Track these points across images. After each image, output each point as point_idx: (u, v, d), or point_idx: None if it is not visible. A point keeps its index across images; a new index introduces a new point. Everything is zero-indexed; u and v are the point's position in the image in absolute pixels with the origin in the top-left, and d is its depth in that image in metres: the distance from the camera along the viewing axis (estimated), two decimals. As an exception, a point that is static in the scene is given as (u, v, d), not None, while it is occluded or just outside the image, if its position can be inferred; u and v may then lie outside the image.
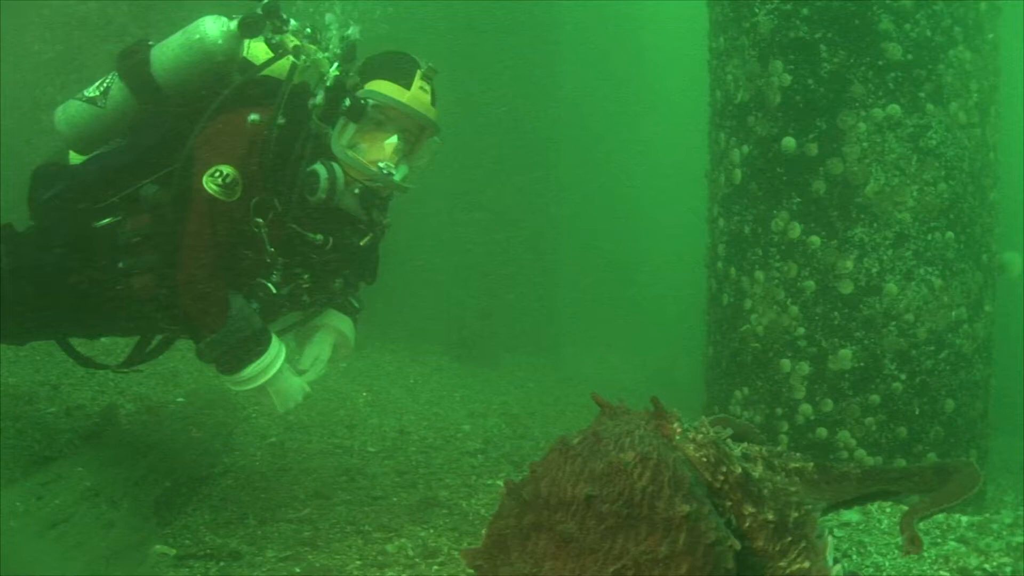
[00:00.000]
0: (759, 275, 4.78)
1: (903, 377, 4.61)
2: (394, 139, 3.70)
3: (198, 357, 3.81)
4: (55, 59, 7.05)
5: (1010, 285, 5.25)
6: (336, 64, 3.72)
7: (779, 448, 2.85)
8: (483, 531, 3.94)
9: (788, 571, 2.38)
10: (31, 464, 4.14)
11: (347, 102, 3.62)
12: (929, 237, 4.63)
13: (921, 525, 4.32)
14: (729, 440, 2.65)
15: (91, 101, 3.86)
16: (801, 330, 4.67)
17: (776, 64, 4.70)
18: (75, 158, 4.02)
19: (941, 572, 3.82)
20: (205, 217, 3.59)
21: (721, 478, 2.38)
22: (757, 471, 2.54)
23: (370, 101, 3.64)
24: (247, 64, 3.83)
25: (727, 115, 4.98)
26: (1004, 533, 4.50)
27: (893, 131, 4.58)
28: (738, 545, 2.19)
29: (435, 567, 3.60)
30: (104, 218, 3.78)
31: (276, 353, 3.77)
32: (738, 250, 4.90)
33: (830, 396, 4.64)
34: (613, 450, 2.24)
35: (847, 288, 4.60)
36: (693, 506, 2.14)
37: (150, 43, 3.86)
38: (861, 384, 4.61)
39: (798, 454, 2.83)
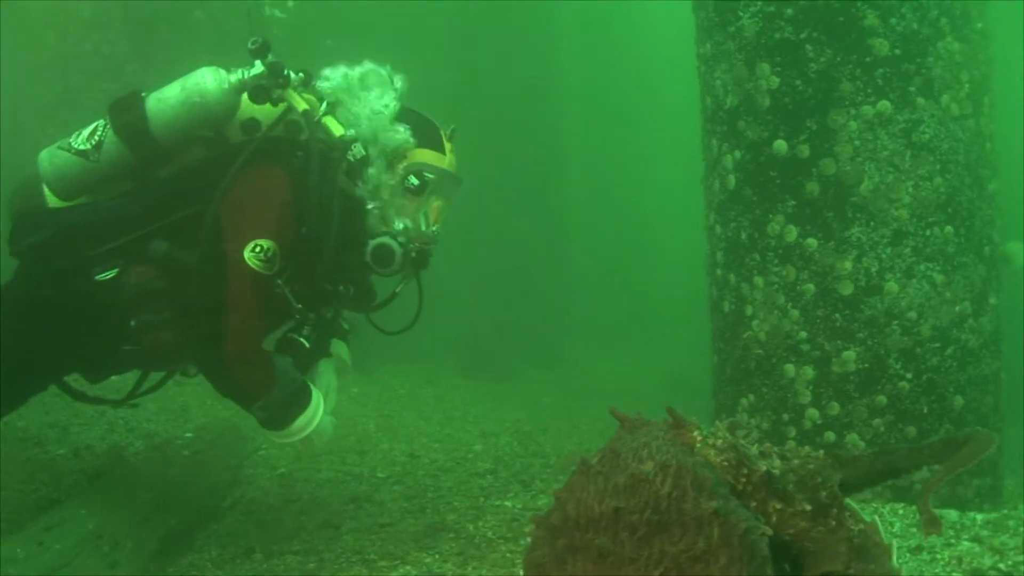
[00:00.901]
0: (758, 280, 4.74)
1: (909, 376, 4.55)
2: (438, 202, 3.97)
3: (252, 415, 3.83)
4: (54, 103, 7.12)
5: (1014, 276, 5.16)
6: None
7: (787, 446, 2.88)
8: (490, 554, 3.99)
9: (854, 531, 2.46)
10: (38, 508, 4.17)
11: (414, 180, 3.84)
12: (928, 233, 4.57)
13: (935, 526, 4.24)
14: (744, 442, 2.64)
15: (82, 155, 3.75)
16: (803, 334, 4.62)
17: (763, 67, 4.67)
18: (52, 200, 3.89)
19: (954, 574, 3.75)
20: (248, 290, 3.63)
21: (744, 479, 2.42)
22: (776, 467, 2.58)
23: (429, 175, 3.86)
24: (251, 123, 3.82)
25: (718, 121, 4.95)
26: (1021, 529, 4.41)
27: (884, 128, 4.53)
28: (769, 531, 2.23)
29: (462, 592, 3.59)
30: (100, 268, 3.75)
31: (317, 403, 3.87)
32: (736, 256, 4.86)
33: (836, 399, 4.58)
34: (633, 463, 2.28)
35: (847, 289, 4.55)
36: (720, 502, 2.17)
37: (143, 94, 3.81)
38: (867, 385, 4.55)
39: (807, 447, 2.82)
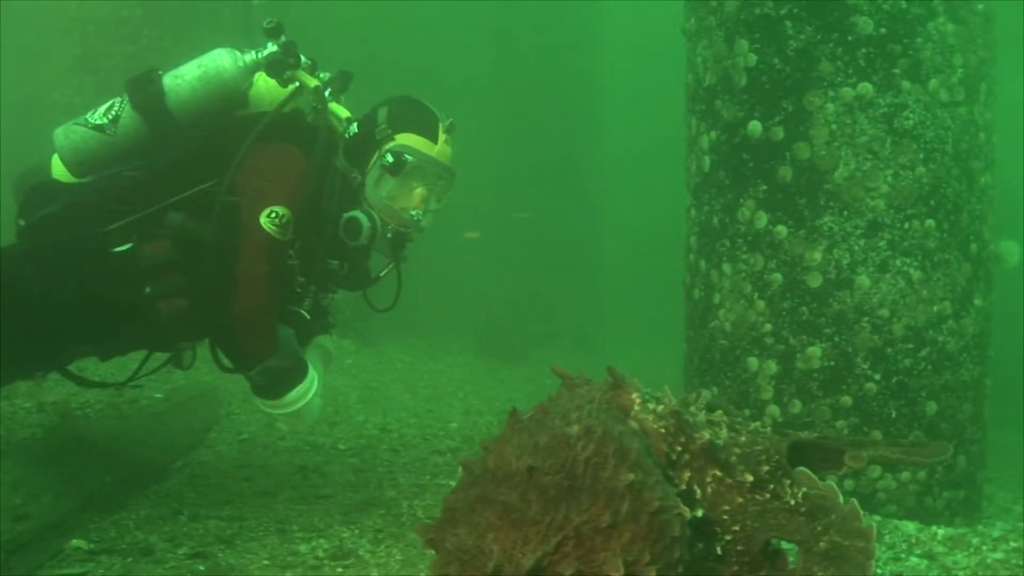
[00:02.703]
0: (727, 268, 4.52)
1: (877, 377, 4.29)
2: (423, 190, 4.04)
3: (217, 363, 3.99)
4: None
5: (1008, 276, 4.82)
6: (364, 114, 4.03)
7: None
8: (410, 533, 3.90)
9: (798, 499, 2.47)
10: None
11: (389, 158, 3.93)
12: (906, 225, 4.29)
13: (888, 538, 4.01)
14: (693, 408, 2.65)
15: (99, 128, 3.88)
16: (768, 326, 4.39)
17: (742, 43, 4.43)
18: (59, 174, 4.01)
19: (888, 593, 3.52)
20: (263, 255, 3.74)
21: (679, 448, 2.38)
22: (721, 436, 2.56)
23: (408, 158, 3.94)
24: (262, 96, 3.99)
25: (697, 99, 4.73)
26: (984, 548, 4.13)
27: (864, 111, 4.26)
28: (688, 513, 2.17)
29: (339, 569, 3.50)
30: (116, 241, 3.79)
31: (312, 381, 3.94)
32: (708, 241, 4.65)
33: (799, 397, 4.35)
34: (559, 423, 2.24)
35: (815, 281, 4.30)
36: (638, 475, 2.12)
37: (160, 72, 3.94)
38: (832, 384, 4.31)
39: (758, 422, 2.84)
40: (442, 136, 4.05)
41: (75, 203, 3.84)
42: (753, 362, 4.42)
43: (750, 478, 2.46)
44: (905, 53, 4.26)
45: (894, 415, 4.30)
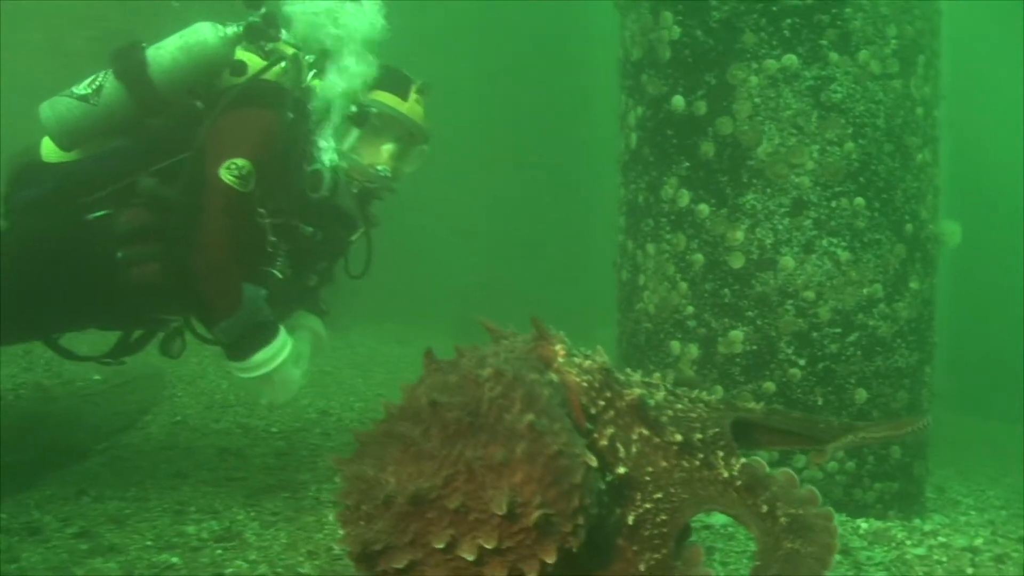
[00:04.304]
0: (650, 248, 4.36)
1: (802, 363, 4.11)
2: (391, 145, 4.00)
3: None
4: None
5: (951, 257, 4.60)
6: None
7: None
8: (305, 517, 3.82)
9: (733, 471, 2.42)
10: None
11: (353, 109, 3.93)
12: (833, 204, 4.10)
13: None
14: (630, 371, 2.61)
15: (83, 99, 3.91)
16: (690, 309, 4.23)
17: (666, 16, 4.27)
18: (48, 156, 4.04)
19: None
20: (222, 206, 3.76)
21: (603, 403, 2.34)
22: (656, 398, 2.52)
23: (373, 109, 3.94)
24: (241, 67, 4.00)
25: (626, 75, 4.57)
26: (908, 543, 3.94)
27: (789, 84, 4.08)
28: (594, 461, 2.14)
29: (219, 551, 3.42)
30: (94, 211, 3.85)
31: (284, 342, 3.93)
32: (634, 221, 4.49)
33: (720, 382, 4.18)
34: (472, 365, 2.25)
35: (738, 262, 4.13)
36: (542, 420, 2.10)
37: (144, 44, 3.96)
38: (754, 369, 4.13)
39: (703, 393, 2.78)
40: (413, 95, 4.03)
41: (57, 186, 3.90)
42: (675, 346, 4.26)
43: (679, 438, 2.39)
44: (833, 23, 4.07)
45: (820, 402, 4.12)
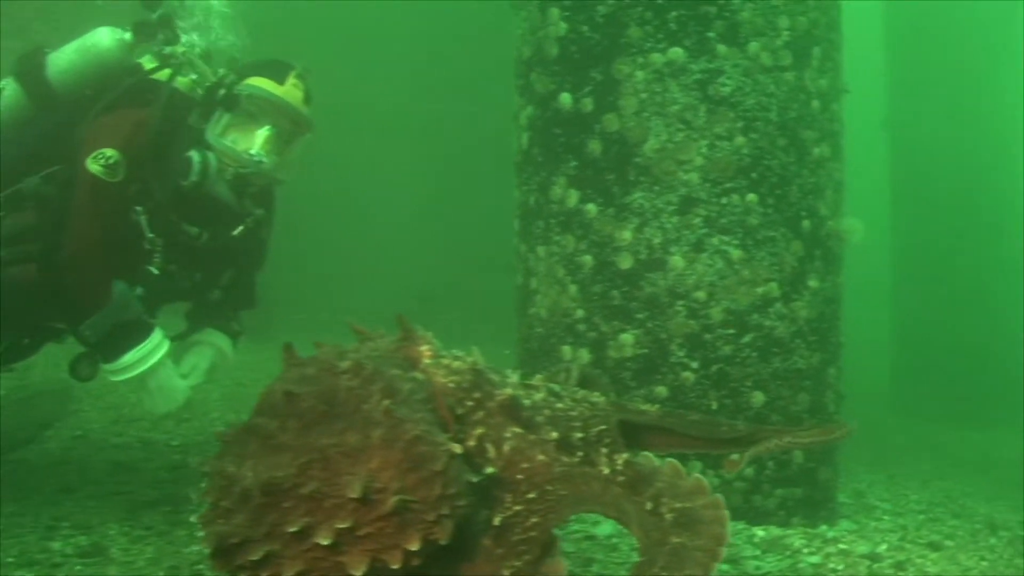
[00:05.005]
0: (541, 251, 4.22)
1: (695, 366, 3.96)
2: (266, 130, 3.87)
3: (72, 370, 3.88)
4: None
5: (854, 254, 4.45)
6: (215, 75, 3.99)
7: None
8: (176, 532, 3.70)
9: (616, 467, 2.39)
10: None
11: (222, 91, 3.84)
12: (723, 201, 3.96)
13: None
14: (510, 372, 2.55)
15: None
16: (580, 312, 4.09)
17: (553, 12, 4.14)
18: None
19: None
20: (89, 197, 3.71)
21: (471, 404, 2.30)
22: (536, 397, 2.49)
23: (243, 92, 3.85)
24: (138, 69, 3.99)
25: (519, 73, 4.44)
26: (805, 551, 3.80)
27: (676, 78, 3.95)
28: (458, 450, 2.10)
29: (78, 567, 3.31)
30: None
31: (158, 343, 3.81)
32: (527, 223, 4.36)
33: (611, 387, 4.03)
34: (332, 358, 2.22)
35: (626, 263, 3.99)
36: (402, 409, 2.07)
37: (47, 50, 3.99)
38: (645, 374, 3.99)
39: (595, 393, 2.75)
40: (291, 80, 3.94)
41: None
42: (567, 351, 4.12)
43: (555, 435, 2.34)
44: (721, 15, 3.95)
45: (715, 406, 3.97)
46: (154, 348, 3.78)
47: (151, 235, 3.85)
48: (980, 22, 9.46)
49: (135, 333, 3.75)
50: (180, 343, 4.18)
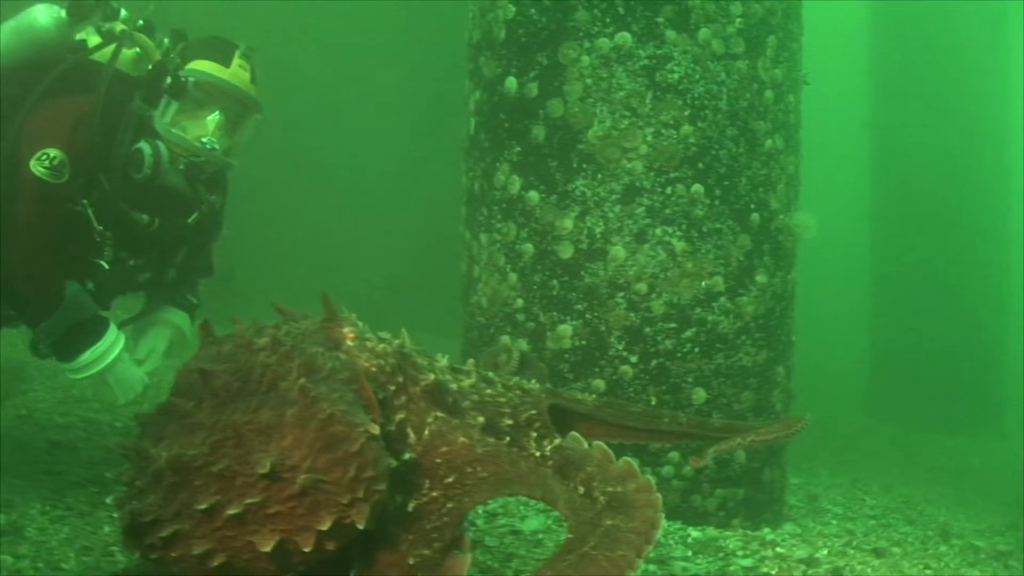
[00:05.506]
0: (483, 238, 4.13)
1: (634, 359, 3.86)
2: (216, 115, 3.80)
3: (32, 348, 3.82)
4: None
5: (808, 249, 4.33)
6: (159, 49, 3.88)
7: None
8: (99, 512, 3.63)
9: (545, 451, 2.38)
10: None
11: (168, 80, 3.73)
12: (668, 191, 3.85)
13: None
14: (440, 356, 2.51)
15: None
16: (520, 302, 3.99)
17: (502, -7, 4.04)
18: None
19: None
20: (35, 201, 3.62)
21: (393, 388, 2.26)
22: (464, 383, 2.46)
23: (191, 79, 3.74)
24: (81, 47, 3.87)
25: (469, 58, 4.34)
26: (739, 553, 3.69)
27: (622, 64, 3.84)
28: (376, 430, 2.06)
29: (-10, 544, 3.24)
30: None
31: (114, 339, 3.75)
32: (472, 210, 4.26)
33: (549, 380, 3.93)
34: (249, 335, 2.20)
35: (567, 252, 3.89)
36: (320, 388, 2.04)
37: None
38: (583, 366, 3.89)
39: (533, 381, 2.68)
40: (237, 61, 3.84)
41: None
42: (506, 341, 4.02)
43: (481, 420, 2.32)
44: (671, 0, 3.83)
45: (655, 402, 3.87)
46: (111, 345, 3.73)
47: (100, 227, 3.76)
48: (964, 24, 9.38)
49: (90, 332, 3.70)
50: (136, 324, 4.14)
